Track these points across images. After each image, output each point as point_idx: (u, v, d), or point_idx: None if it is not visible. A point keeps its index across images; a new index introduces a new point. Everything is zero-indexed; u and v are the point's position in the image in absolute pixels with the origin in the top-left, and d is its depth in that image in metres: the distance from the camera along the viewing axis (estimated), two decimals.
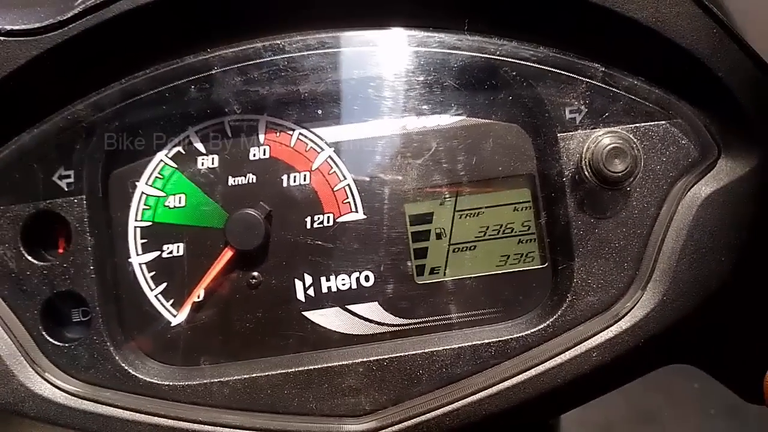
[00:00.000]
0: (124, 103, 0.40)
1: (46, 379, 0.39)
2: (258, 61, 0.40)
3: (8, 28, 0.37)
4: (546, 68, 0.41)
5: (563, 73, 0.41)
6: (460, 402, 0.39)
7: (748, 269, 0.40)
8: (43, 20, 0.37)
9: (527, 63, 0.41)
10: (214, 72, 0.40)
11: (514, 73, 0.41)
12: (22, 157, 0.40)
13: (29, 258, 0.40)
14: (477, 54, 0.41)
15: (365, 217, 0.42)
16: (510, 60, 0.41)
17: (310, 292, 0.42)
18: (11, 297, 0.40)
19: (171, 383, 0.40)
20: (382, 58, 0.41)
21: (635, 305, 0.40)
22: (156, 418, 0.39)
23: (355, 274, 0.42)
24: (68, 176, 0.41)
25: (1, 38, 0.37)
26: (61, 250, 0.42)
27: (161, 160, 0.42)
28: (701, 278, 0.40)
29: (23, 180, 0.40)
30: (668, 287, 0.40)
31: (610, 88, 0.41)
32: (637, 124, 0.41)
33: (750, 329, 0.43)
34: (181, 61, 0.40)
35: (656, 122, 0.41)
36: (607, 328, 0.40)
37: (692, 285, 0.39)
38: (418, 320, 0.42)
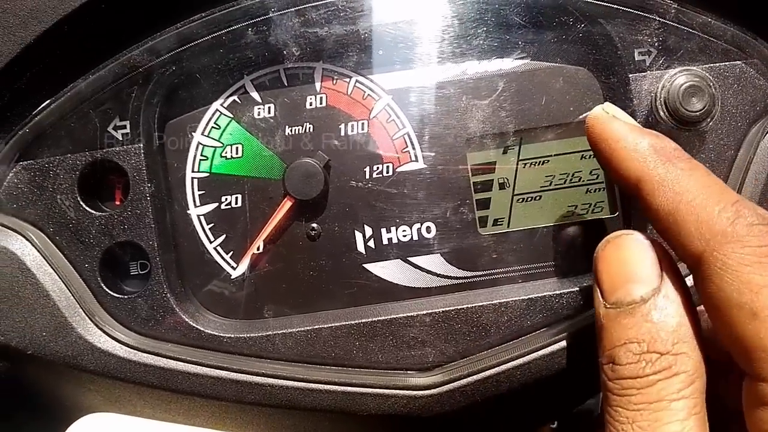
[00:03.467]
0: (180, 49, 0.39)
1: (105, 332, 0.39)
2: (316, 3, 0.39)
3: None
4: (616, 5, 0.39)
5: (634, 11, 0.39)
6: (531, 355, 0.38)
7: None
8: None
9: (603, 2, 0.39)
10: (270, 15, 0.39)
11: (583, 11, 0.39)
12: (78, 105, 0.39)
13: (87, 208, 0.39)
14: None
15: (426, 166, 0.41)
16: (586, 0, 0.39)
17: (371, 243, 0.41)
18: (69, 248, 0.39)
19: (233, 335, 0.39)
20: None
21: None
22: (218, 371, 0.38)
23: (416, 225, 0.41)
24: (123, 126, 0.40)
25: None
26: (117, 202, 0.41)
27: (217, 110, 0.41)
28: None
29: (79, 128, 0.40)
30: None
31: (684, 27, 0.39)
32: (712, 64, 0.39)
33: None
34: (237, 3, 0.39)
35: (732, 62, 0.39)
36: (687, 275, 0.38)
37: None
38: (483, 272, 0.41)
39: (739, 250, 0.29)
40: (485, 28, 0.40)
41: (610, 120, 0.34)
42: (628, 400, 0.30)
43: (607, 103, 0.35)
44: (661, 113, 0.38)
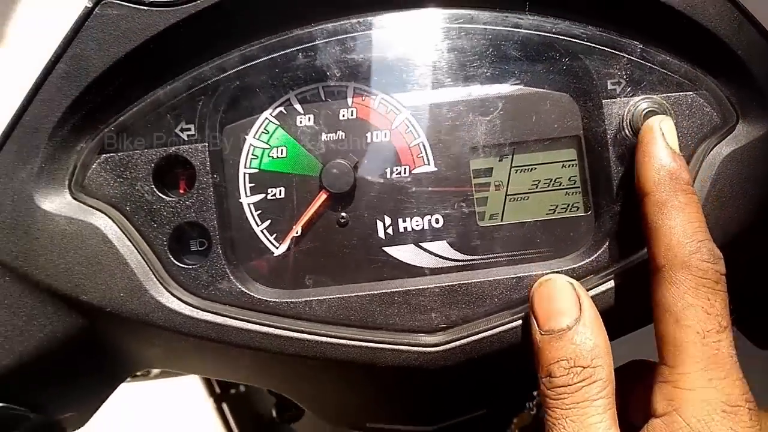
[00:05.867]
0: (241, 67, 0.48)
1: (173, 294, 0.47)
2: (353, 34, 0.48)
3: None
4: (593, 45, 0.49)
5: (607, 49, 0.49)
6: (517, 321, 0.47)
7: (764, 215, 0.48)
8: None
9: (577, 40, 0.49)
10: (316, 42, 0.48)
11: (567, 49, 0.49)
12: (155, 109, 0.48)
13: (160, 193, 0.48)
14: (536, 31, 0.48)
15: (436, 169, 0.50)
16: (563, 37, 0.48)
17: (389, 230, 0.50)
18: (143, 225, 0.48)
19: (277, 300, 0.48)
20: (455, 34, 0.49)
21: None
22: (265, 327, 0.47)
23: (427, 217, 0.50)
24: (189, 129, 0.49)
25: (146, 8, 0.46)
26: (181, 190, 0.50)
27: (266, 118, 0.50)
28: (722, 222, 0.47)
29: (155, 128, 0.48)
30: None
31: (646, 63, 0.49)
32: (669, 93, 0.49)
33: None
34: (290, 32, 0.48)
35: (685, 92, 0.49)
36: (640, 265, 0.47)
37: (714, 227, 0.46)
38: (481, 256, 0.50)
39: (686, 274, 0.41)
40: (488, 60, 0.49)
41: (657, 136, 0.45)
42: (562, 402, 0.41)
43: (665, 119, 0.45)
44: (627, 131, 0.48)
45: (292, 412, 0.87)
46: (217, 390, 1.70)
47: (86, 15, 0.45)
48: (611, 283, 0.47)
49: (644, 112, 0.47)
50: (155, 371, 0.84)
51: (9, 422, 0.51)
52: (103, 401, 0.58)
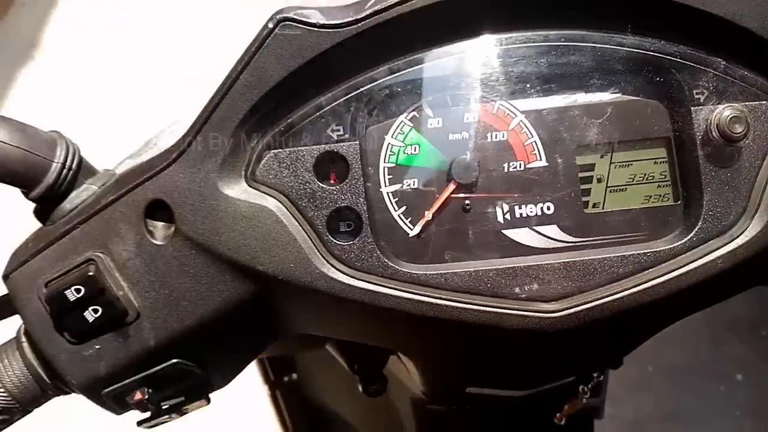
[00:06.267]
0: (388, 78, 0.58)
1: (332, 266, 0.56)
2: (475, 51, 0.58)
3: (321, 22, 0.55)
4: (684, 61, 0.58)
5: (696, 65, 0.58)
6: (625, 292, 0.56)
7: None
8: (342, 18, 0.55)
9: (671, 57, 0.58)
10: (448, 59, 0.58)
11: (662, 64, 0.58)
12: (316, 113, 0.57)
13: (319, 183, 0.57)
14: (636, 49, 0.58)
15: (547, 164, 0.59)
16: (659, 54, 0.57)
17: (507, 216, 0.59)
18: (306, 209, 0.57)
19: (417, 272, 0.57)
20: (567, 51, 0.58)
21: (746, 229, 0.56)
22: (409, 294, 0.56)
23: (540, 205, 0.59)
24: (339, 129, 0.58)
25: (317, 29, 0.55)
26: (332, 180, 0.59)
27: (402, 121, 0.59)
28: None
29: (315, 129, 0.58)
30: None
31: (729, 77, 0.58)
32: (748, 102, 0.58)
33: None
34: (428, 50, 0.58)
35: (760, 102, 0.58)
36: (726, 244, 0.56)
37: None
38: (588, 238, 0.59)
39: None
40: (597, 72, 0.58)
41: None
42: None
43: None
44: (714, 134, 0.57)
45: (376, 386, 0.95)
46: (272, 377, 1.79)
47: (268, 34, 0.55)
48: (704, 260, 0.56)
49: (729, 118, 0.56)
50: None
51: (180, 376, 0.60)
52: (246, 365, 0.67)
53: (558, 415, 0.89)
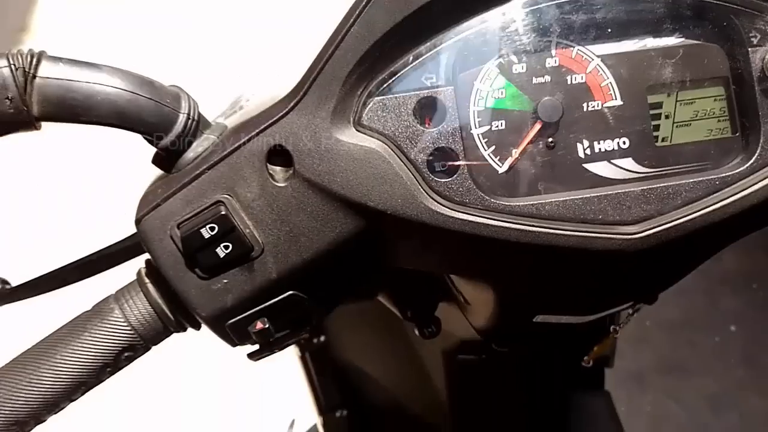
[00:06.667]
0: (479, 26, 0.63)
1: (435, 200, 0.62)
2: (560, 5, 0.64)
3: None
4: (743, 8, 0.64)
5: (752, 11, 0.64)
6: (697, 213, 0.63)
7: None
8: None
9: (730, 4, 0.64)
10: (531, 8, 0.63)
11: (722, 11, 0.64)
12: (415, 60, 0.63)
13: (419, 125, 0.63)
14: None
15: (622, 103, 0.65)
16: (722, 3, 0.64)
17: (587, 151, 0.65)
18: (409, 150, 0.63)
19: (509, 203, 0.63)
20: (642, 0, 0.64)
21: None
22: (506, 223, 0.62)
23: (616, 140, 0.65)
24: (434, 76, 0.64)
25: None
26: (427, 125, 0.64)
27: (489, 68, 0.65)
28: None
29: (414, 76, 0.63)
30: None
31: None
32: None
33: None
34: (513, 3, 0.63)
35: None
36: None
37: None
38: (659, 168, 0.66)
39: None
40: (666, 19, 0.64)
41: None
42: None
43: None
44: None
45: (431, 329, 1.02)
46: (302, 340, 1.85)
47: None
48: (764, 182, 0.63)
49: None
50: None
51: (294, 307, 0.66)
52: (344, 301, 0.73)
53: (586, 357, 0.97)
